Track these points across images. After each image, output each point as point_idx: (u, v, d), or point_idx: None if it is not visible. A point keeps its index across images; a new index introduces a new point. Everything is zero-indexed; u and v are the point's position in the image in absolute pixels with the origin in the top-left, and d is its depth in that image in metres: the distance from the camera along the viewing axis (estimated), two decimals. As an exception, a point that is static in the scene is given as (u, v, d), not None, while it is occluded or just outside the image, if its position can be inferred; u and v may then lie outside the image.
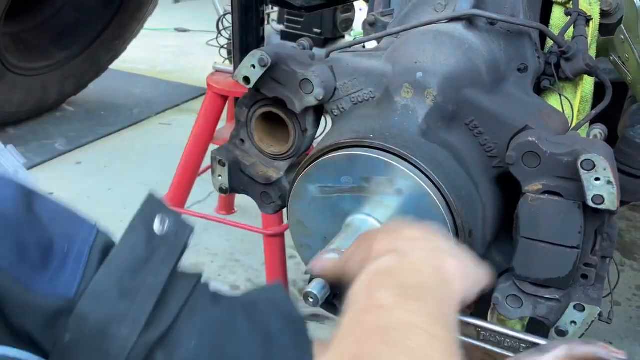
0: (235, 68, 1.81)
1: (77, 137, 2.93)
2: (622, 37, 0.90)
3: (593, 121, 0.96)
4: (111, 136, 2.99)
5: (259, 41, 1.82)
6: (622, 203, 1.10)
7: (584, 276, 0.81)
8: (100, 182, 2.56)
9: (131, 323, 0.49)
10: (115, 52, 3.28)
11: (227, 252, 2.15)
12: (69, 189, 2.42)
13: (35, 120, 3.04)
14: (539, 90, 0.96)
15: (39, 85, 2.91)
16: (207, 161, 1.93)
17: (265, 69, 0.87)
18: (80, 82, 3.20)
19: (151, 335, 0.49)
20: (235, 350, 0.53)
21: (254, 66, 0.88)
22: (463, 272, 0.58)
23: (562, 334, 0.82)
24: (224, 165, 0.98)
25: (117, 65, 3.44)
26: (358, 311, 0.52)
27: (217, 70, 1.90)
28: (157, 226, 0.53)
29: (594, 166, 0.72)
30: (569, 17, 0.93)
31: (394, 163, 0.78)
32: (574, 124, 0.94)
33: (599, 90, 1.01)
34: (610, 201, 0.73)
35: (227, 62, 2.22)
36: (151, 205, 0.55)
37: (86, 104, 3.31)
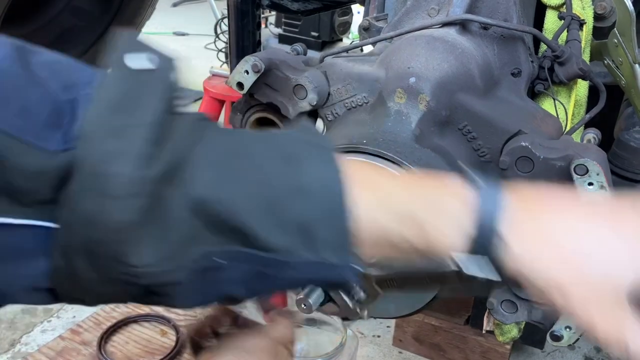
0: (231, 71, 1.82)
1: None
2: (616, 40, 0.90)
3: (588, 125, 0.96)
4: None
5: (256, 45, 1.82)
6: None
7: (578, 281, 0.81)
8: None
9: (125, 158, 0.44)
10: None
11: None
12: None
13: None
14: (533, 94, 0.96)
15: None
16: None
17: (258, 74, 0.87)
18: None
19: (152, 169, 0.45)
20: (257, 175, 0.49)
21: (247, 72, 0.88)
22: None
23: (557, 339, 0.82)
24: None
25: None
26: None
27: (214, 74, 1.91)
28: (142, 62, 0.48)
29: (587, 171, 0.72)
30: (563, 21, 0.93)
31: (387, 168, 0.78)
32: (568, 128, 0.94)
33: (593, 94, 1.01)
34: (604, 206, 0.73)
35: (225, 65, 2.23)
36: (129, 43, 0.50)
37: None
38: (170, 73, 0.50)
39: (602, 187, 0.72)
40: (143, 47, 0.50)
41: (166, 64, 0.50)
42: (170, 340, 1.58)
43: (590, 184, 0.73)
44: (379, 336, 1.81)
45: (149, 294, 0.49)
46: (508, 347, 1.65)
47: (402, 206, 0.51)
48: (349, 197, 0.49)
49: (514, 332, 1.12)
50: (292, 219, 0.48)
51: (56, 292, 0.49)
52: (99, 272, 0.46)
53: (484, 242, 0.50)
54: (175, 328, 1.64)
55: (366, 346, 1.77)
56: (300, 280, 0.53)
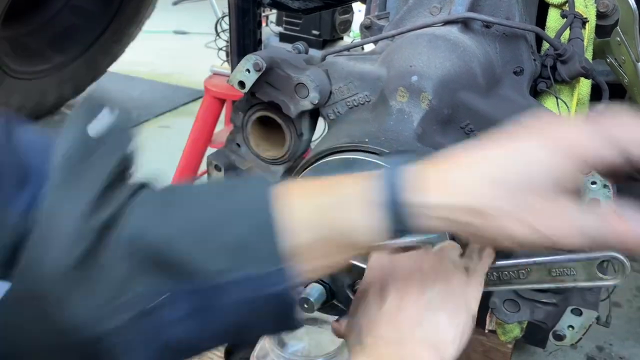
0: (232, 69, 1.81)
1: (75, 141, 2.93)
2: (618, 39, 0.90)
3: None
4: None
5: (256, 44, 1.82)
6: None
7: (581, 280, 0.81)
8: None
9: (75, 208, 0.47)
10: (114, 55, 3.28)
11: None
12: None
13: (34, 125, 3.04)
14: (536, 92, 0.95)
15: (37, 89, 2.91)
16: (205, 164, 1.93)
17: (260, 73, 0.87)
18: (79, 86, 3.20)
19: (97, 218, 0.48)
20: (191, 210, 0.50)
21: (248, 70, 0.88)
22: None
23: (559, 338, 0.81)
24: (220, 170, 0.98)
25: (115, 67, 3.43)
26: None
27: (215, 73, 1.90)
28: (95, 125, 0.52)
29: (590, 170, 0.72)
30: (565, 19, 0.92)
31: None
32: (570, 127, 0.94)
33: (596, 93, 1.00)
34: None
35: (226, 64, 2.22)
36: (89, 104, 0.54)
37: (85, 107, 3.31)
38: (126, 133, 0.55)
39: (605, 186, 0.72)
40: (100, 111, 0.54)
41: (125, 121, 0.55)
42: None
43: (594, 182, 0.72)
44: (380, 335, 1.81)
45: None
46: (510, 346, 1.64)
47: (318, 208, 0.51)
48: (279, 211, 0.49)
49: (516, 331, 1.11)
50: (225, 241, 0.49)
51: None
52: (36, 320, 0.47)
53: (397, 211, 0.49)
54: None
55: (367, 345, 1.77)
56: (243, 305, 0.50)
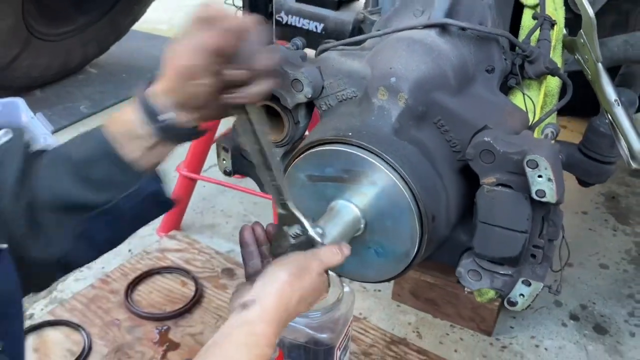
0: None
1: (100, 100, 3.07)
2: (582, 40, 0.99)
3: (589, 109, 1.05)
4: (133, 99, 3.12)
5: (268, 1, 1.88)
6: (587, 184, 1.22)
7: (533, 256, 0.94)
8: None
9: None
10: (135, 15, 3.38)
11: (240, 213, 2.30)
12: (94, 151, 2.58)
13: (60, 84, 3.18)
14: (507, 88, 1.06)
15: (62, 49, 3.04)
16: (220, 128, 2.06)
17: (261, 70, 0.99)
18: (102, 46, 3.33)
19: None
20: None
21: (251, 67, 1.00)
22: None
23: (512, 304, 0.96)
24: (227, 151, 1.12)
25: (137, 25, 3.53)
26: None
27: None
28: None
29: (537, 165, 0.84)
30: (536, 21, 1.02)
31: (369, 158, 0.90)
32: (537, 118, 1.05)
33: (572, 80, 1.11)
34: (550, 195, 0.85)
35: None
36: None
37: (108, 66, 3.44)
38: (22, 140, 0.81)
39: (549, 179, 0.84)
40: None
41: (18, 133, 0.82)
42: (189, 290, 1.75)
43: (540, 176, 0.85)
44: (379, 290, 1.96)
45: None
46: (497, 303, 1.78)
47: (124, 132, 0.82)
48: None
49: (490, 294, 1.25)
50: (97, 180, 0.79)
51: None
52: None
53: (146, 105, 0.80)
54: (195, 279, 1.81)
55: (367, 299, 1.92)
56: (133, 210, 0.84)
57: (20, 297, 0.67)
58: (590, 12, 0.95)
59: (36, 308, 1.76)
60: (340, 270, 1.00)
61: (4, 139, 0.80)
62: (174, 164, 2.08)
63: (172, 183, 1.86)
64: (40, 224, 0.77)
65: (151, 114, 0.79)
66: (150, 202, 0.85)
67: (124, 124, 0.81)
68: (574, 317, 1.91)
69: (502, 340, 1.81)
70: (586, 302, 1.96)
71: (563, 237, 1.01)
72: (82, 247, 0.82)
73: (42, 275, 0.84)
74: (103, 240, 0.85)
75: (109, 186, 0.79)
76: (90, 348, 1.50)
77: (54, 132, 2.48)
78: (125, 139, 0.80)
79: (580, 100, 1.10)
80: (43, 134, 1.46)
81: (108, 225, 0.82)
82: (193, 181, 2.12)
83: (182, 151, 2.09)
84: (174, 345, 1.55)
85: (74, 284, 1.87)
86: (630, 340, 1.83)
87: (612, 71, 1.17)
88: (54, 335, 1.56)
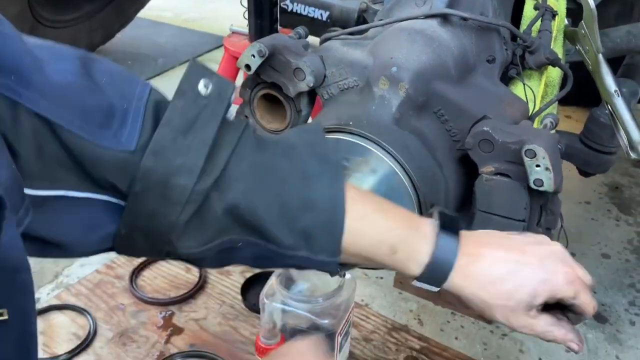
0: (250, 29, 1.92)
1: (105, 87, 3.08)
2: (583, 31, 1.00)
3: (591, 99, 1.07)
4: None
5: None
6: (588, 174, 1.23)
7: (530, 244, 0.95)
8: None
9: (187, 174, 0.60)
10: (141, 2, 3.38)
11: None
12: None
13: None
14: (507, 78, 1.07)
15: (69, 37, 3.04)
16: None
17: (263, 58, 1.00)
18: (108, 33, 3.33)
19: (205, 182, 0.61)
20: (278, 189, 0.65)
21: (254, 56, 1.01)
22: None
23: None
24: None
25: (142, 13, 3.53)
26: None
27: (234, 32, 2.02)
28: (201, 88, 0.63)
29: (535, 155, 0.85)
30: (537, 11, 1.03)
31: (369, 147, 0.92)
32: (537, 108, 1.06)
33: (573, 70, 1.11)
34: (548, 184, 0.86)
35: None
36: (194, 70, 0.64)
37: (114, 53, 3.44)
38: (227, 96, 0.64)
39: (547, 169, 0.85)
40: (208, 74, 0.64)
41: (224, 88, 0.65)
42: (194, 276, 1.77)
43: (538, 165, 0.86)
44: (381, 278, 1.98)
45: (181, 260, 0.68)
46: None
47: (383, 232, 0.70)
48: (345, 213, 0.66)
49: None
50: (300, 225, 0.66)
51: (113, 249, 0.67)
52: (150, 246, 0.65)
53: (436, 276, 0.71)
54: (198, 266, 1.82)
55: (370, 286, 1.93)
56: (294, 265, 0.72)
57: (28, 270, 0.60)
58: (591, 3, 0.95)
59: (42, 292, 1.78)
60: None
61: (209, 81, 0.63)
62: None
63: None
64: (205, 222, 0.63)
65: (435, 280, 0.71)
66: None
67: (389, 243, 0.70)
68: (574, 305, 1.92)
69: (502, 328, 1.82)
70: (586, 291, 1.97)
71: (562, 226, 1.02)
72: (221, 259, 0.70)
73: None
74: (228, 263, 0.74)
75: (302, 238, 0.66)
76: (95, 332, 1.52)
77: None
78: (371, 250, 0.69)
79: (584, 90, 1.11)
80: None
81: (254, 259, 0.70)
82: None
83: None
84: (177, 330, 1.57)
85: (80, 269, 1.88)
86: (630, 328, 1.84)
87: (615, 62, 1.18)
88: (59, 319, 1.58)
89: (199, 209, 0.62)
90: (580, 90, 1.09)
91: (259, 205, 0.64)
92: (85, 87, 0.59)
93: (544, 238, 0.75)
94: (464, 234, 0.73)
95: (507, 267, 0.71)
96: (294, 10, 2.32)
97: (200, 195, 0.61)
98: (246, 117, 1.13)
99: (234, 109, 0.68)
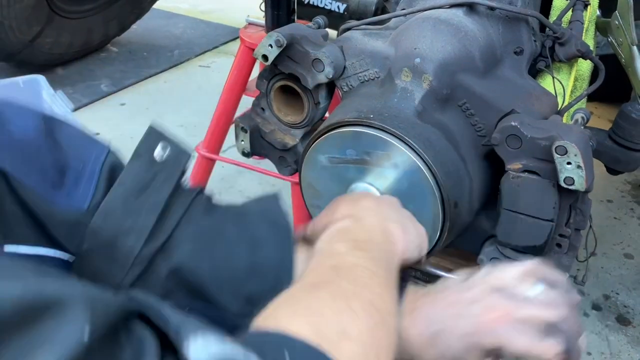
0: (266, 20, 1.89)
1: (121, 79, 3.07)
2: (617, 22, 0.95)
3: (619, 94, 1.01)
4: (153, 78, 3.11)
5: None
6: (616, 172, 1.18)
7: (558, 245, 0.91)
8: (143, 125, 2.62)
9: (136, 236, 0.60)
10: (157, -7, 3.36)
11: (259, 194, 2.29)
12: (114, 130, 2.58)
13: (82, 61, 3.18)
14: (536, 71, 1.02)
15: (84, 27, 3.03)
16: (240, 109, 2.04)
17: (281, 49, 0.97)
18: (124, 24, 3.31)
19: (153, 245, 0.61)
20: (224, 253, 0.64)
21: (271, 46, 0.97)
22: (405, 237, 0.69)
23: (535, 294, 0.92)
24: (246, 132, 1.10)
25: (158, 4, 3.51)
26: (320, 257, 0.62)
27: (250, 23, 1.98)
28: (157, 153, 0.63)
29: (566, 152, 0.81)
30: (568, 1, 0.98)
31: (391, 141, 0.88)
32: (566, 102, 1.01)
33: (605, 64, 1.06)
34: (579, 183, 0.82)
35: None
36: (152, 135, 0.65)
37: (129, 44, 3.43)
38: (182, 163, 0.65)
39: (578, 166, 0.81)
40: (166, 139, 0.64)
41: (181, 154, 0.65)
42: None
43: (569, 163, 0.81)
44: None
45: None
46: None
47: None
48: (291, 277, 0.63)
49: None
50: (245, 291, 0.63)
51: None
52: None
53: None
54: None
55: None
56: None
57: None
58: (627, -8, 0.91)
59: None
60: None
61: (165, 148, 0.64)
62: (193, 143, 2.07)
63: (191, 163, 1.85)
64: (149, 284, 0.62)
65: None
66: None
67: None
68: (596, 307, 1.87)
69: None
70: (609, 292, 1.92)
71: (590, 226, 0.98)
72: None
73: None
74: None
75: (251, 304, 0.63)
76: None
77: (74, 110, 2.48)
78: None
79: (610, 86, 1.06)
80: (64, 111, 1.46)
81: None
82: (212, 161, 2.11)
83: (202, 131, 2.08)
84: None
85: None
86: (653, 332, 1.79)
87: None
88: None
89: (144, 271, 0.61)
90: (606, 85, 1.04)
91: (204, 269, 0.63)
92: (44, 145, 0.61)
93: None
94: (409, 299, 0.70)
95: (445, 323, 0.68)
96: (311, 3, 2.28)
97: (146, 258, 0.61)
98: (262, 109, 1.10)
99: (189, 175, 0.67)
